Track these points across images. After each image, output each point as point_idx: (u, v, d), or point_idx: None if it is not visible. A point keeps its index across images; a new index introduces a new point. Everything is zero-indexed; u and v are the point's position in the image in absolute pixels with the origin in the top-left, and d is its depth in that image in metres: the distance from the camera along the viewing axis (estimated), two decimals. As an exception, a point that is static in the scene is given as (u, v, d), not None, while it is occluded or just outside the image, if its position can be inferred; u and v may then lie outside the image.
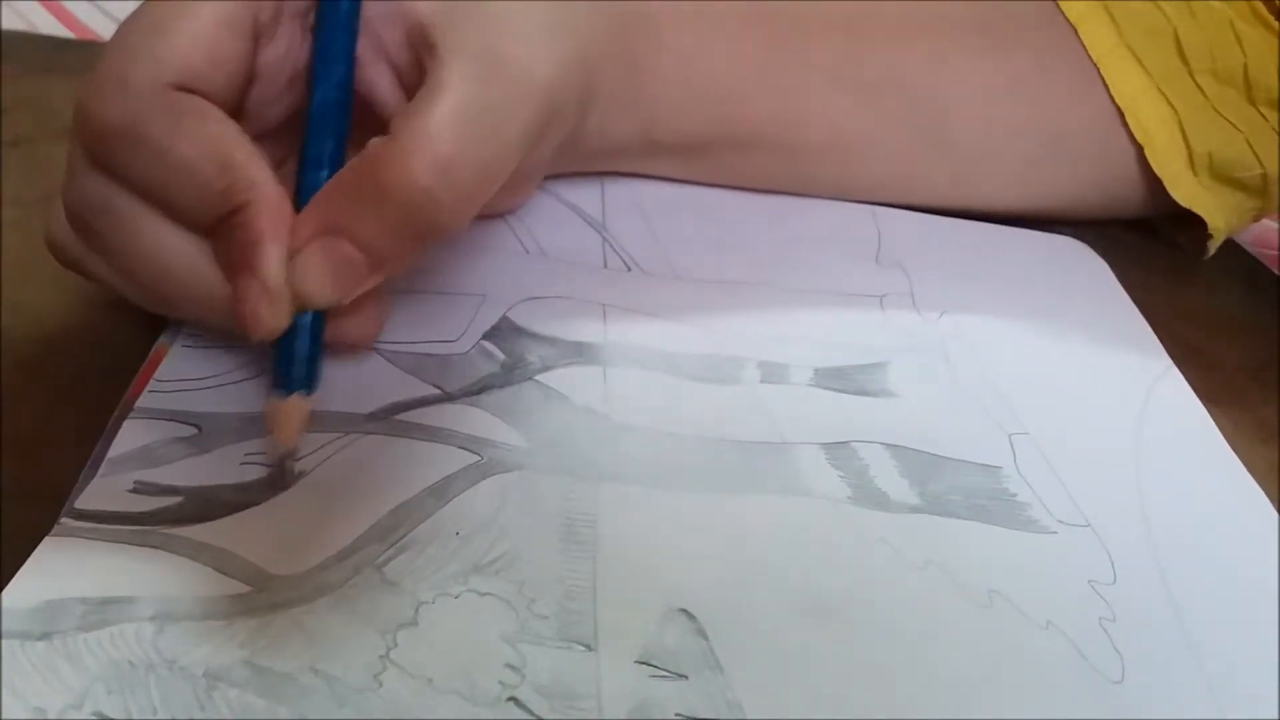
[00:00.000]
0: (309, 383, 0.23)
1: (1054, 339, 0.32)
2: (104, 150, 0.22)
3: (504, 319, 0.29)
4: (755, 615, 0.22)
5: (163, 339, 0.26)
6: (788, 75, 0.34)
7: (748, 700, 0.20)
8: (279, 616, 0.20)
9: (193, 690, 0.18)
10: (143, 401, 0.24)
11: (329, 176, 0.23)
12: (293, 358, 0.23)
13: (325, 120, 0.24)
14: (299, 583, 0.21)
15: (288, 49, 0.25)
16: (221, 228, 0.22)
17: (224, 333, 0.24)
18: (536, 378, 0.27)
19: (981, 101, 0.37)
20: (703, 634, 0.21)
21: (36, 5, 0.46)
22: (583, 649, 0.20)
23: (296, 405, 0.23)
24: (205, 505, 0.22)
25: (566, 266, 0.32)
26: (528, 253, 0.32)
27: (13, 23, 0.44)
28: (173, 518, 0.22)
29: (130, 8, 0.48)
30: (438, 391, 0.26)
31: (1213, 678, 0.22)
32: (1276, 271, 0.41)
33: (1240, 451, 0.29)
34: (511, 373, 0.27)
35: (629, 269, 0.32)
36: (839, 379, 0.29)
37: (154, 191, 0.22)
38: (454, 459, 0.24)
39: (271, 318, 0.22)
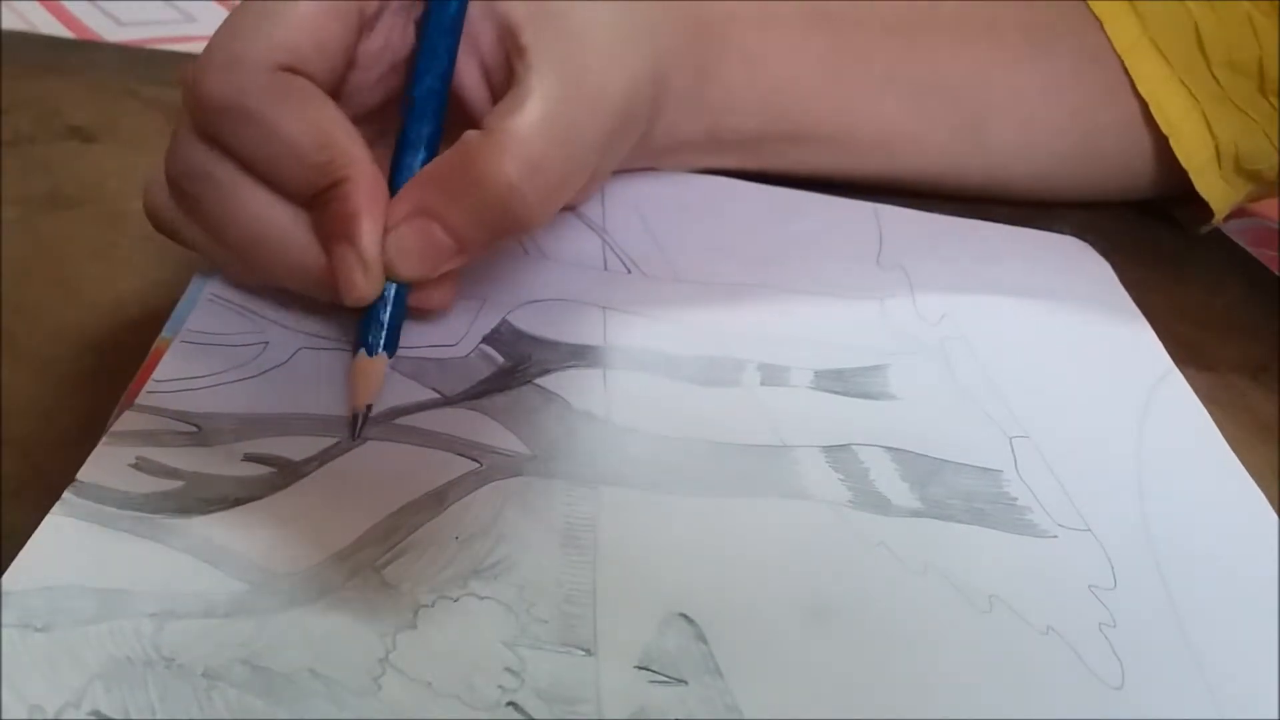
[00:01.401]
0: (390, 347, 0.25)
1: (1055, 341, 0.32)
2: (210, 123, 0.24)
3: (504, 322, 0.29)
4: (755, 620, 0.22)
5: (163, 335, 0.26)
6: (845, 78, 0.36)
7: (747, 705, 0.20)
8: (278, 616, 0.20)
9: (191, 690, 0.18)
10: (141, 400, 0.24)
11: (425, 160, 0.25)
12: (379, 323, 0.25)
13: (426, 109, 0.26)
14: (298, 582, 0.21)
15: (387, 40, 0.27)
16: (319, 200, 0.24)
17: (320, 294, 0.26)
18: (536, 381, 0.27)
19: (1019, 105, 0.38)
20: (702, 639, 0.21)
21: (36, 5, 0.46)
22: (582, 653, 0.20)
23: (375, 364, 0.25)
24: (206, 494, 0.22)
25: (566, 269, 0.32)
26: (527, 255, 0.32)
27: (12, 23, 0.44)
28: (173, 505, 0.22)
29: (130, 7, 0.48)
30: (437, 396, 0.26)
31: (1213, 683, 0.22)
32: (1276, 272, 0.41)
33: (1240, 452, 0.29)
34: (511, 376, 0.27)
35: (629, 271, 0.32)
36: (839, 381, 0.29)
37: (257, 164, 0.24)
38: (453, 465, 0.24)
39: (366, 286, 0.24)
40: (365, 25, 0.26)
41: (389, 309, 0.25)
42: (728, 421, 0.27)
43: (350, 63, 0.26)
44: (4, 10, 0.45)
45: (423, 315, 0.28)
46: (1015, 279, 0.35)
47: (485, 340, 0.28)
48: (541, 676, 0.20)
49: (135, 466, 0.22)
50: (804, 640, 0.22)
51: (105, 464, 0.22)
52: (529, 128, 0.24)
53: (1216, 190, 0.40)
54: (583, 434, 0.26)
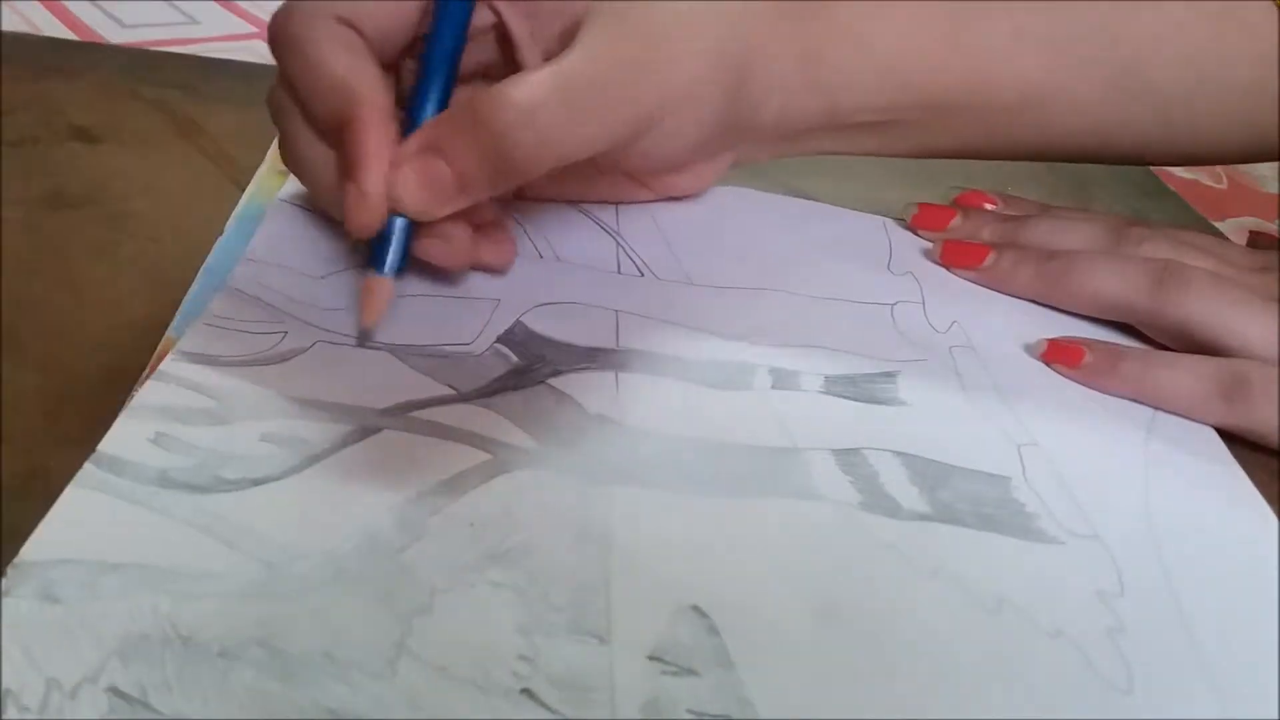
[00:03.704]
0: (395, 268, 0.27)
1: None
2: (276, 57, 0.28)
3: (518, 323, 0.29)
4: (766, 615, 0.22)
5: (169, 334, 0.27)
6: (971, 40, 0.34)
7: (758, 698, 0.20)
8: (295, 599, 0.20)
9: (208, 669, 0.18)
10: (165, 367, 0.24)
11: (437, 110, 0.28)
12: (385, 246, 0.27)
13: (439, 63, 0.29)
14: (314, 564, 0.21)
15: None
16: (339, 138, 0.27)
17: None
18: (549, 382, 0.27)
19: (1180, 38, 0.35)
20: (715, 631, 0.21)
21: (39, 6, 0.46)
22: (595, 642, 0.20)
23: (380, 283, 0.27)
24: (224, 471, 0.22)
25: (580, 271, 0.32)
26: (542, 258, 0.32)
27: (15, 24, 0.44)
28: (191, 482, 0.22)
29: (132, 8, 0.48)
30: (452, 392, 0.26)
31: (1220, 687, 0.22)
32: None
33: (1243, 458, 0.29)
34: (525, 376, 0.27)
35: (642, 274, 0.32)
36: (850, 386, 0.29)
37: (300, 99, 0.28)
38: (467, 456, 0.24)
39: (364, 218, 0.26)
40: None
41: (395, 235, 0.27)
42: (739, 424, 0.27)
43: (413, 32, 0.29)
44: (6, 11, 0.45)
45: (444, 272, 0.30)
46: None
47: (499, 340, 0.28)
48: (555, 664, 0.20)
49: (155, 442, 0.23)
50: (814, 636, 0.22)
51: (126, 437, 0.23)
52: (536, 81, 0.26)
53: None
54: (595, 434, 0.26)
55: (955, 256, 0.35)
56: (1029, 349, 0.32)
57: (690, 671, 0.20)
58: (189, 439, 0.23)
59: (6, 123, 0.35)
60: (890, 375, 0.30)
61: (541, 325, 0.29)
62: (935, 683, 0.21)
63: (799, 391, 0.29)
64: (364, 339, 0.27)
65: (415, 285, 0.30)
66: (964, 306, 0.33)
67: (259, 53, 0.45)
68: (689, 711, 0.20)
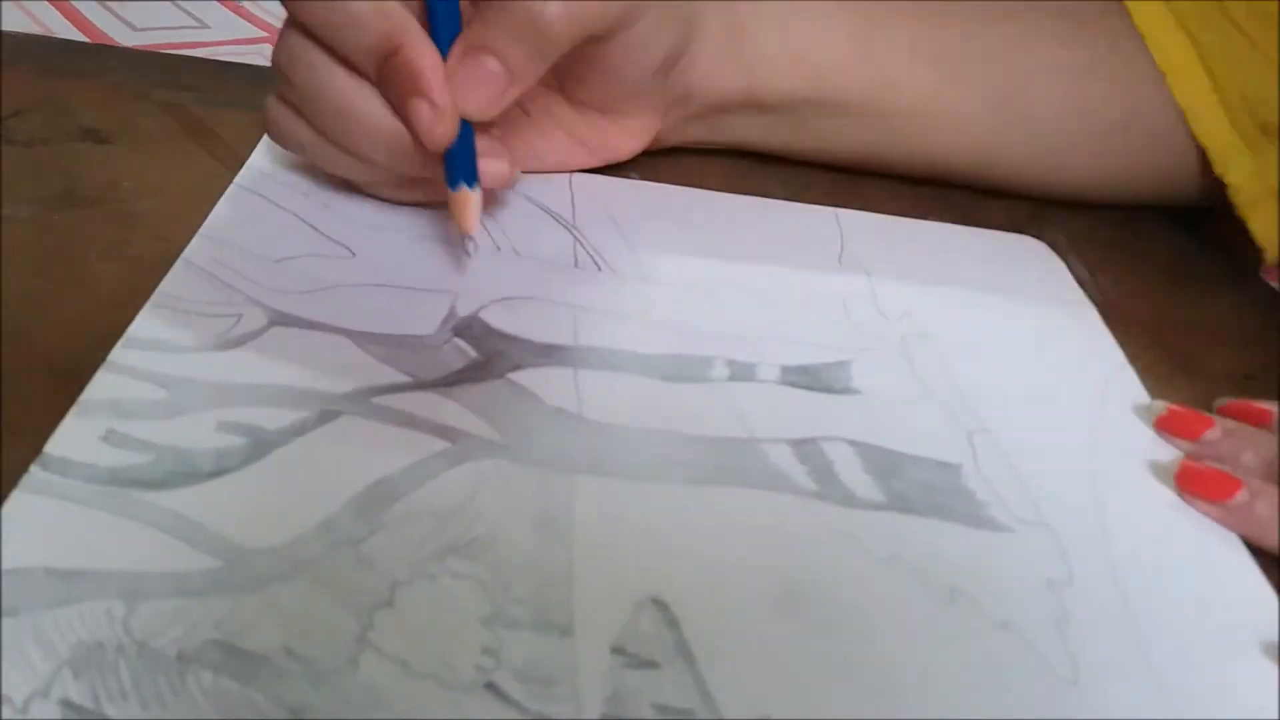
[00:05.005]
0: (473, 179, 0.29)
1: (1012, 337, 0.33)
2: (291, 7, 0.28)
3: (475, 318, 0.29)
4: (725, 606, 0.22)
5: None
6: (875, 48, 0.37)
7: (717, 690, 0.20)
8: (253, 595, 0.20)
9: (164, 674, 0.18)
10: (115, 357, 0.24)
11: (453, 31, 0.29)
12: (459, 158, 0.29)
13: None
14: (272, 558, 0.21)
15: None
16: (384, 68, 0.28)
17: (401, 162, 0.29)
18: (508, 376, 0.27)
19: (1058, 78, 0.39)
20: (675, 623, 0.21)
21: (50, 7, 0.46)
22: (559, 634, 0.20)
23: (470, 195, 0.29)
24: (177, 467, 0.22)
25: (538, 266, 0.32)
26: (500, 251, 0.32)
27: (26, 26, 0.44)
28: (144, 479, 0.22)
29: (139, 9, 0.48)
30: (410, 380, 0.26)
31: (1161, 679, 0.22)
32: (1271, 283, 0.40)
33: None
34: (483, 370, 0.27)
35: (599, 269, 0.32)
36: (805, 376, 0.29)
37: (330, 39, 0.28)
38: (427, 445, 0.24)
39: (443, 127, 0.28)
40: None
41: (466, 144, 0.29)
42: (698, 415, 0.27)
43: None
44: (18, 13, 0.45)
45: (491, 191, 0.31)
46: (973, 277, 0.35)
47: (458, 334, 0.28)
48: (518, 657, 0.20)
49: (106, 439, 0.22)
50: (772, 627, 0.22)
51: (74, 437, 0.22)
52: None
53: (1233, 157, 0.39)
54: (555, 427, 0.26)
55: (1195, 485, 0.28)
56: (980, 336, 0.32)
57: (652, 664, 0.20)
58: (142, 435, 0.23)
59: (18, 123, 0.35)
60: (844, 364, 0.30)
61: (500, 320, 0.29)
62: (889, 673, 0.21)
63: (756, 382, 0.29)
64: (468, 245, 0.30)
65: (372, 275, 0.30)
66: (915, 297, 0.34)
67: (268, 57, 0.46)
68: (652, 706, 0.20)
